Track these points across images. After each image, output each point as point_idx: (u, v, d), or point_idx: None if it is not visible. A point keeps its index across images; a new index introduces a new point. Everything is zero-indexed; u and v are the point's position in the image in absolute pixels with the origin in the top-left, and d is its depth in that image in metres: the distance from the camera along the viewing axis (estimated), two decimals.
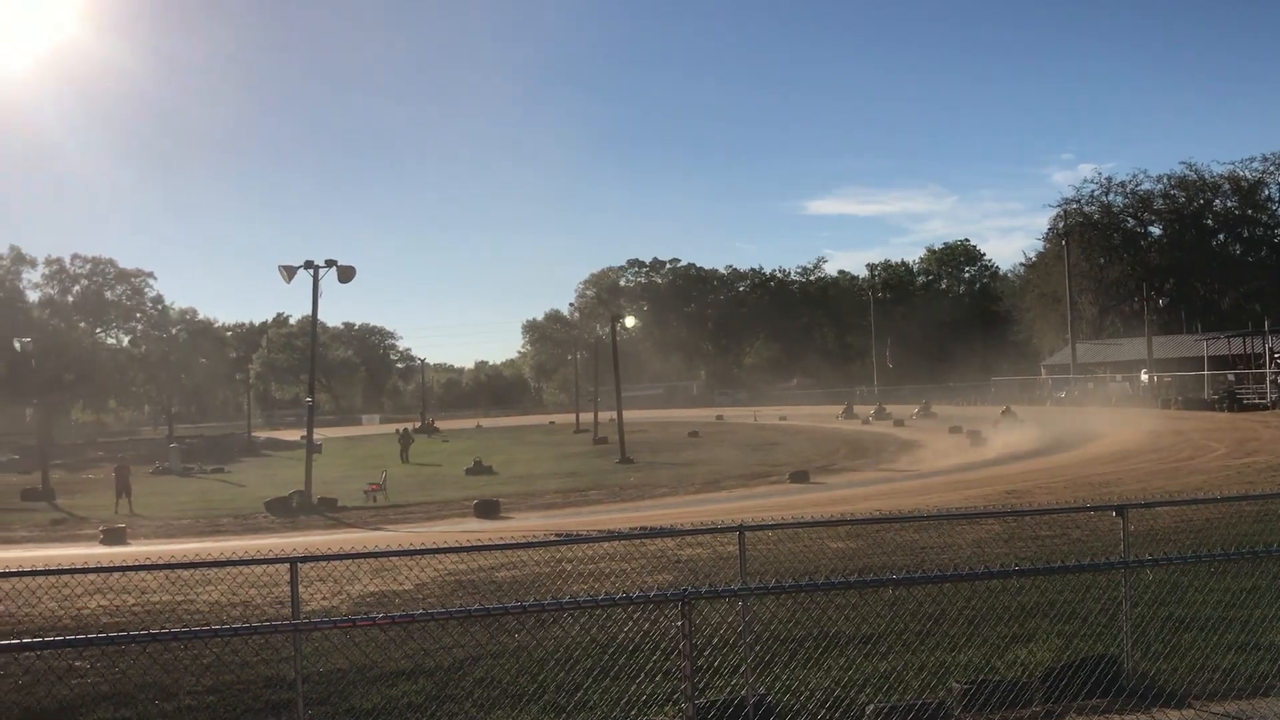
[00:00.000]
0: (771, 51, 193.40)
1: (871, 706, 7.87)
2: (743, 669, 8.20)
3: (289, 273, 36.93)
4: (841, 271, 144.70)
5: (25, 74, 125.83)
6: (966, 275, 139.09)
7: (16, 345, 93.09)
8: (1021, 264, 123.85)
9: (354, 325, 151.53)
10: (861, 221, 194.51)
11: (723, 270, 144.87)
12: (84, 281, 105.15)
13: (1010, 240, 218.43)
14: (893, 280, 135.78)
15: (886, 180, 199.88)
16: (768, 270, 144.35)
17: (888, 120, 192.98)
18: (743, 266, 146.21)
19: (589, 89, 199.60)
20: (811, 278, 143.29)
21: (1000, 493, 26.16)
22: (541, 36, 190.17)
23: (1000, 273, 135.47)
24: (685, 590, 5.48)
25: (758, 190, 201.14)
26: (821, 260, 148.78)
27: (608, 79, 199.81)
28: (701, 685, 7.93)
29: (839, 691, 8.18)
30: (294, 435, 75.85)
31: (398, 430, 68.26)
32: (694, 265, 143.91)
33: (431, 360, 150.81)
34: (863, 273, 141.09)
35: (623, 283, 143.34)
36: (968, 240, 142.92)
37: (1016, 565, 9.51)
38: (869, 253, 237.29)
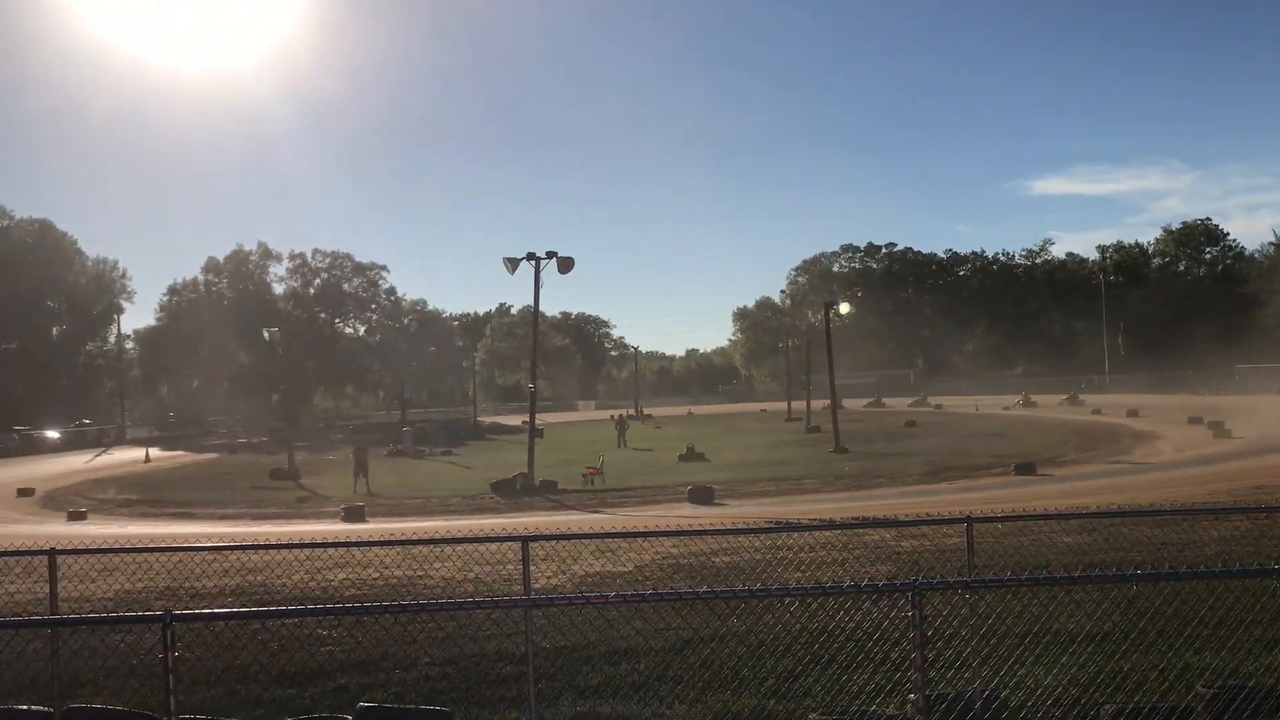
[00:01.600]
0: (993, 26, 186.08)
1: (1111, 707, 7.53)
2: (973, 662, 8.01)
3: (512, 265, 38.27)
4: (1069, 254, 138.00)
5: (267, 84, 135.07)
6: (1207, 256, 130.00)
7: (265, 335, 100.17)
8: (1271, 243, 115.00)
9: (570, 314, 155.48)
10: (1091, 201, 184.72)
11: (941, 254, 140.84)
12: (324, 275, 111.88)
13: (1258, 218, 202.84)
14: (1125, 262, 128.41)
15: (1119, 157, 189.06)
16: (989, 254, 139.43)
17: (1121, 95, 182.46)
18: (963, 250, 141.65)
19: (800, 74, 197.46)
20: (1037, 261, 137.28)
21: (1248, 488, 24.45)
22: (745, 23, 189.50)
23: (1246, 253, 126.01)
24: (916, 581, 5.40)
25: (979, 171, 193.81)
26: (1048, 242, 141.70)
27: (819, 62, 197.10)
28: (930, 676, 7.78)
29: (1072, 690, 7.87)
30: (516, 420, 78.56)
31: (613, 416, 69.65)
32: (911, 249, 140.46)
33: (643, 348, 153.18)
34: (1092, 255, 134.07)
35: (836, 268, 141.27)
36: (1209, 219, 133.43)
37: (1273, 565, 8.88)
38: (1099, 234, 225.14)
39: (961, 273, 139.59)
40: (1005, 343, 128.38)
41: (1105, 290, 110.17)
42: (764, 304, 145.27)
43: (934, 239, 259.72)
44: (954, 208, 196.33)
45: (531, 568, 8.90)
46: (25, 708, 8.19)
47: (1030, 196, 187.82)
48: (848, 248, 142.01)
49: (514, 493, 33.94)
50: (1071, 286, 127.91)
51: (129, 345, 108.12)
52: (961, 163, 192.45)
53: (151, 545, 13.69)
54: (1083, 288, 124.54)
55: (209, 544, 15.19)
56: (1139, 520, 15.07)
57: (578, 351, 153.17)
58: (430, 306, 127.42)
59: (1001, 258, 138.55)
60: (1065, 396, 73.79)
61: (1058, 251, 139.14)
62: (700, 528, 12.41)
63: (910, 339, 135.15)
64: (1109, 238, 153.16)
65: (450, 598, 12.96)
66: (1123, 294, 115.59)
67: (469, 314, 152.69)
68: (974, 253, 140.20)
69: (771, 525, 12.98)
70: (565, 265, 38.62)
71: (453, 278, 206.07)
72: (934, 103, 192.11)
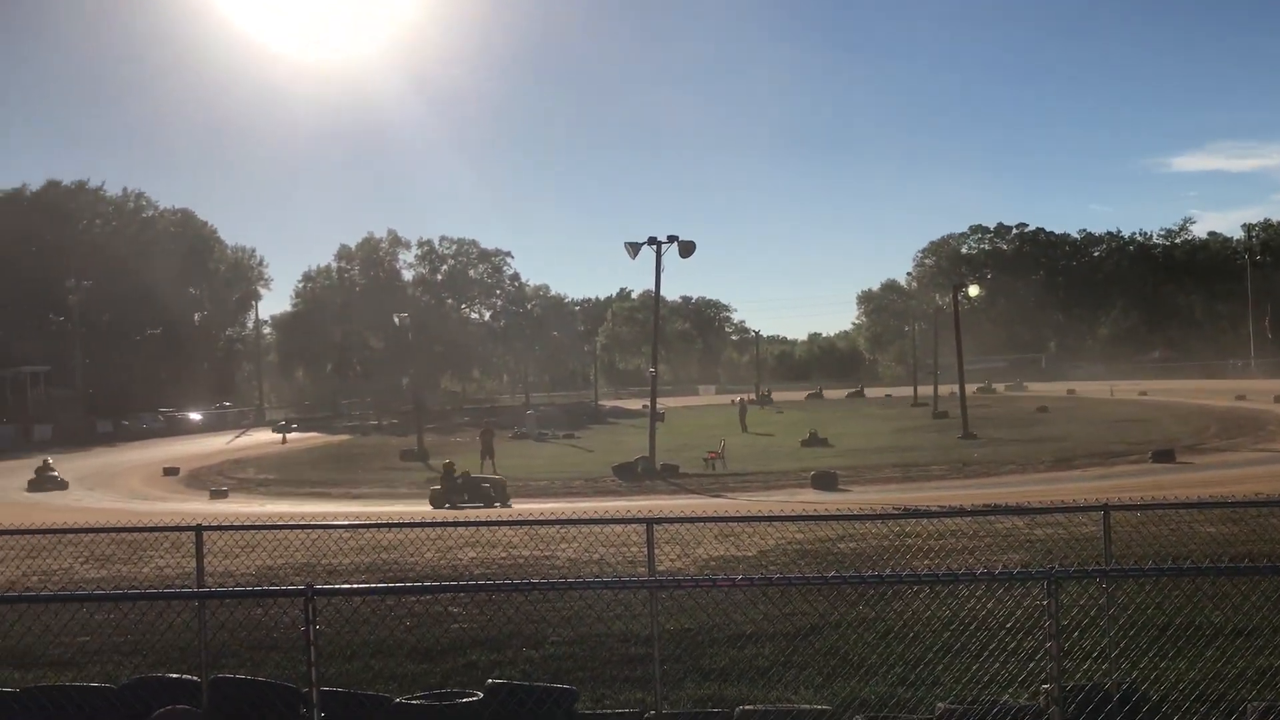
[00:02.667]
0: None
1: (1260, 704, 7.21)
2: (1111, 654, 7.77)
3: (634, 249, 38.48)
4: (1212, 233, 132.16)
5: (395, 76, 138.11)
6: None
7: (395, 320, 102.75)
8: None
9: (691, 299, 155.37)
10: (1236, 178, 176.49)
11: (1075, 234, 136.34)
12: (450, 261, 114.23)
13: None
14: (1273, 242, 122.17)
15: (1265, 132, 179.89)
16: (1126, 233, 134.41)
17: (1267, 65, 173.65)
18: (1097, 230, 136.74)
19: (926, 49, 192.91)
20: (1176, 241, 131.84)
21: None
22: (869, 8, 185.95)
23: None
24: (1053, 569, 5.26)
25: (1115, 148, 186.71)
26: (1188, 221, 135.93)
27: (945, 37, 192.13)
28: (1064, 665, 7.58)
29: (1217, 685, 7.57)
30: (636, 404, 79.02)
31: (734, 400, 69.40)
32: (1043, 229, 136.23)
33: (765, 332, 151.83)
34: (1237, 234, 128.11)
35: (964, 250, 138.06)
36: None
37: None
38: (1245, 212, 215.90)
39: (1096, 254, 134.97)
40: (1142, 326, 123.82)
41: (1250, 271, 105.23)
42: (889, 287, 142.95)
43: (1067, 219, 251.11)
44: (1088, 186, 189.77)
45: (655, 550, 8.95)
46: (175, 676, 8.58)
47: (1169, 174, 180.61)
48: (977, 228, 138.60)
49: (635, 476, 34.18)
50: (1213, 267, 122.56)
51: (266, 330, 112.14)
52: (1096, 140, 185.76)
53: (290, 523, 14.19)
54: (1226, 268, 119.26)
55: (345, 522, 15.67)
56: None
57: (698, 336, 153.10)
58: (553, 292, 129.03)
59: (1139, 238, 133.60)
60: (1211, 382, 70.52)
61: (1198, 231, 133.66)
62: (824, 513, 12.30)
63: (1042, 322, 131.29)
64: (1254, 216, 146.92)
65: (575, 578, 13.13)
66: (1270, 274, 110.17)
67: (590, 299, 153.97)
68: (1109, 233, 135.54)
69: (898, 511, 12.80)
70: (686, 249, 38.67)
71: (575, 263, 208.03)
72: (1067, 77, 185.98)
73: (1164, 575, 5.73)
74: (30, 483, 37.09)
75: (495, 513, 26.69)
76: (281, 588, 9.50)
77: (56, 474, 37.94)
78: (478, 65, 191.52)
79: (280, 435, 64.62)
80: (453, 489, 29.38)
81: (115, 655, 10.00)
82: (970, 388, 54.95)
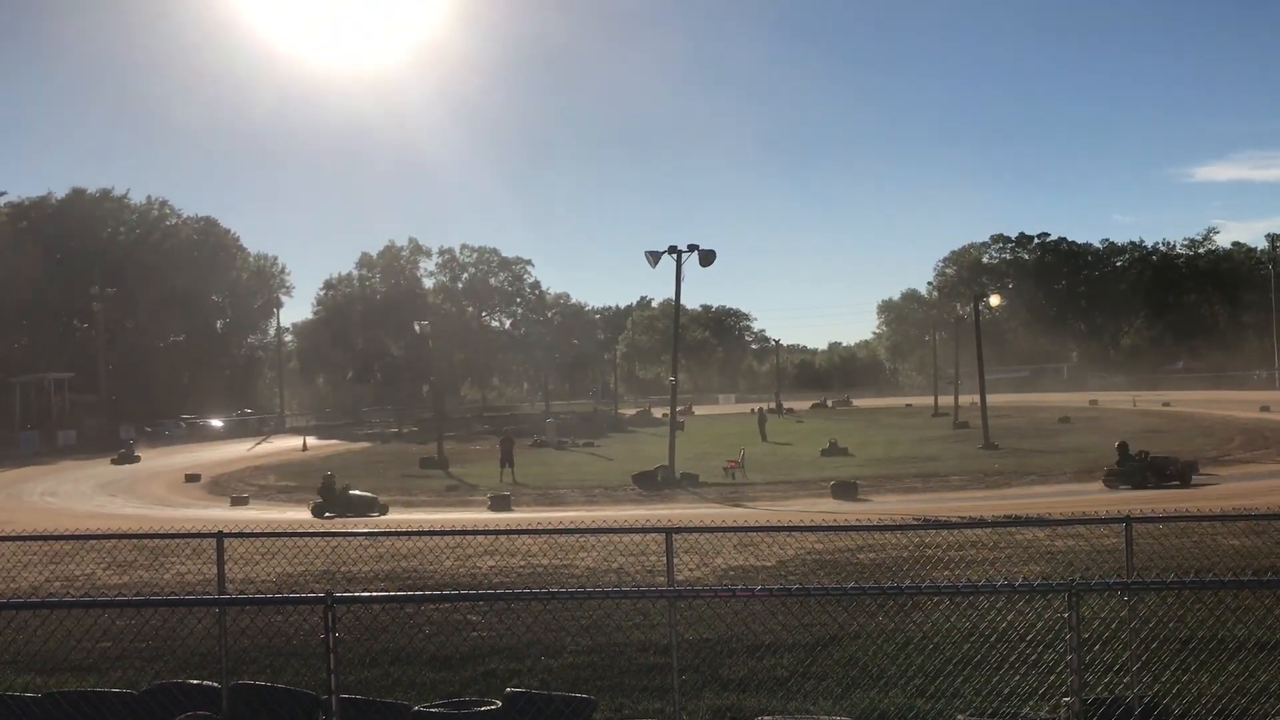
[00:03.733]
0: (1156, 2, 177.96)
1: None
2: (1132, 667, 7.71)
3: (654, 258, 38.45)
4: (1236, 243, 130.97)
5: (416, 85, 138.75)
6: None
7: (416, 328, 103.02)
8: None
9: (711, 307, 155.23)
10: (1260, 188, 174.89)
11: (1097, 244, 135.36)
12: (471, 269, 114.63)
13: None
14: None
15: None
16: (1149, 243, 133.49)
17: None
18: (1120, 240, 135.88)
19: (945, 60, 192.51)
20: (1200, 251, 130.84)
21: None
22: (886, 14, 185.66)
23: None
24: (1073, 581, 5.22)
25: (1137, 157, 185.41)
26: (1212, 231, 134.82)
27: (965, 47, 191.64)
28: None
29: (1240, 699, 7.50)
30: (657, 413, 78.94)
31: (754, 409, 69.24)
32: (1064, 239, 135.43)
33: (785, 341, 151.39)
34: (1261, 244, 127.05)
35: (985, 259, 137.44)
36: None
37: None
38: (1269, 221, 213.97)
39: (1118, 263, 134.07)
40: (1165, 336, 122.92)
41: (1275, 281, 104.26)
42: (910, 296, 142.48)
43: (1089, 229, 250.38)
44: (1111, 196, 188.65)
45: (674, 560, 8.94)
46: (196, 682, 8.63)
47: (1193, 183, 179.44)
48: (998, 238, 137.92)
49: (655, 485, 34.13)
50: (1237, 277, 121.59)
51: (287, 338, 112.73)
52: (1119, 149, 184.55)
53: (310, 530, 14.26)
54: (1250, 278, 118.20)
55: (364, 530, 15.74)
56: None
57: (718, 344, 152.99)
58: (573, 300, 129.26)
59: (1161, 248, 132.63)
60: (1235, 393, 69.82)
61: (1222, 240, 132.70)
62: (844, 523, 12.26)
63: (1064, 332, 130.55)
64: (1279, 225, 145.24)
65: (594, 587, 13.13)
66: None
67: (610, 307, 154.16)
68: (1132, 243, 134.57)
69: (918, 522, 12.73)
70: (707, 258, 38.61)
71: (595, 271, 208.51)
72: (1089, 86, 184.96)
73: (1185, 588, 5.68)
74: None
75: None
76: (301, 595, 9.54)
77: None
78: (499, 74, 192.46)
79: (301, 441, 64.92)
80: (332, 501, 30.26)
81: (136, 661, 10.06)
82: (995, 397, 54.64)
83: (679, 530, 9.21)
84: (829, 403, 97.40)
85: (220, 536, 9.65)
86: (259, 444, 67.80)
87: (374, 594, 7.53)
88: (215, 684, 8.53)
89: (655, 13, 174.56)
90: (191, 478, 42.45)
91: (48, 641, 8.23)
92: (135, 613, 9.31)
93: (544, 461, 46.25)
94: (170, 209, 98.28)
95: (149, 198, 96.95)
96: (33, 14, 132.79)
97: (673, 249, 38.27)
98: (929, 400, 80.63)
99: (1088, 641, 8.12)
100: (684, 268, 38.31)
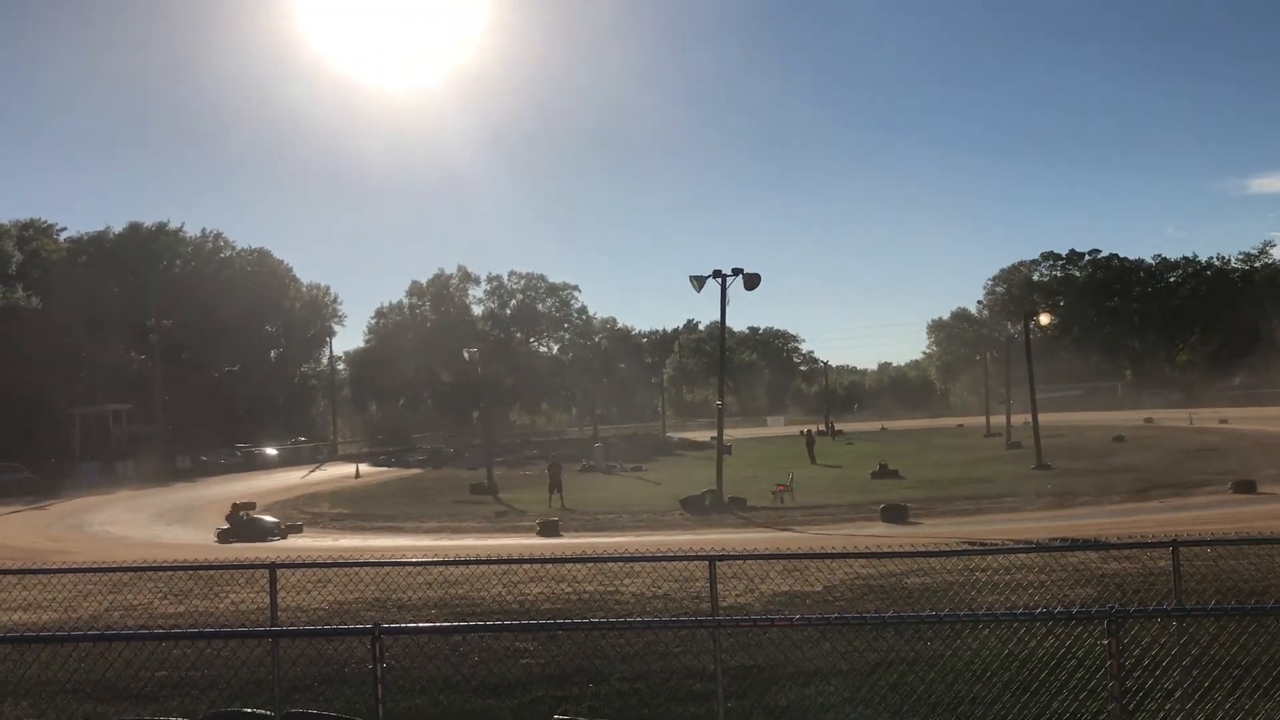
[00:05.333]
0: (1204, 9, 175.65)
1: None
2: (1175, 694, 7.63)
3: (699, 282, 38.55)
4: None
5: (461, 113, 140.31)
6: None
7: (465, 355, 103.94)
8: None
9: (758, 329, 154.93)
10: None
11: (1150, 260, 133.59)
12: (519, 296, 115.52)
13: None
14: None
15: None
16: (1203, 258, 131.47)
17: None
18: (1173, 255, 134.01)
19: (992, 72, 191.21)
20: (1257, 264, 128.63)
21: None
22: (931, 25, 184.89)
23: None
24: (1112, 607, 5.22)
25: (1189, 170, 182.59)
26: (1268, 244, 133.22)
27: (1012, 59, 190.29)
28: (1130, 707, 7.46)
29: None
30: (704, 436, 78.87)
31: (803, 431, 68.96)
32: (1116, 256, 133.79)
33: (834, 362, 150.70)
34: None
35: (1036, 277, 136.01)
36: None
37: None
38: None
39: (1172, 279, 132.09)
40: (1222, 352, 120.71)
41: None
42: (960, 315, 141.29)
43: (1141, 244, 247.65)
44: (1163, 210, 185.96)
45: (720, 585, 8.99)
46: (250, 711, 8.80)
47: (1248, 196, 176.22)
48: (1048, 255, 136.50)
49: (703, 509, 34.11)
50: None
51: (340, 366, 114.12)
52: (1170, 162, 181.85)
53: (361, 560, 14.45)
54: None
55: (414, 559, 15.91)
56: None
57: (766, 366, 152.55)
58: (620, 324, 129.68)
59: (1216, 262, 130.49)
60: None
61: (1279, 254, 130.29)
62: (891, 549, 12.21)
63: (1117, 349, 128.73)
64: None
65: (641, 613, 13.19)
66: None
67: (658, 330, 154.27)
68: (1185, 258, 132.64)
69: (967, 548, 12.66)
70: (752, 282, 38.63)
71: (642, 295, 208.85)
72: (1139, 100, 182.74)
73: (1227, 614, 5.63)
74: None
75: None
76: (350, 627, 9.71)
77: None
78: (544, 102, 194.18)
79: (354, 469, 65.59)
80: (239, 527, 32.37)
81: (193, 690, 10.26)
82: (1047, 416, 53.93)
83: (722, 558, 9.25)
84: (882, 427, 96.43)
85: (273, 567, 9.83)
86: (312, 472, 68.58)
87: (420, 625, 7.66)
88: (269, 712, 8.69)
89: (694, 37, 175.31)
90: (245, 505, 42.97)
91: (108, 670, 8.45)
92: (191, 642, 9.51)
93: (592, 486, 46.35)
94: (224, 241, 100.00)
95: (203, 230, 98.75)
96: (88, 52, 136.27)
97: (717, 273, 38.34)
98: (981, 420, 79.86)
99: (1147, 668, 8.03)
100: (729, 291, 38.40)
